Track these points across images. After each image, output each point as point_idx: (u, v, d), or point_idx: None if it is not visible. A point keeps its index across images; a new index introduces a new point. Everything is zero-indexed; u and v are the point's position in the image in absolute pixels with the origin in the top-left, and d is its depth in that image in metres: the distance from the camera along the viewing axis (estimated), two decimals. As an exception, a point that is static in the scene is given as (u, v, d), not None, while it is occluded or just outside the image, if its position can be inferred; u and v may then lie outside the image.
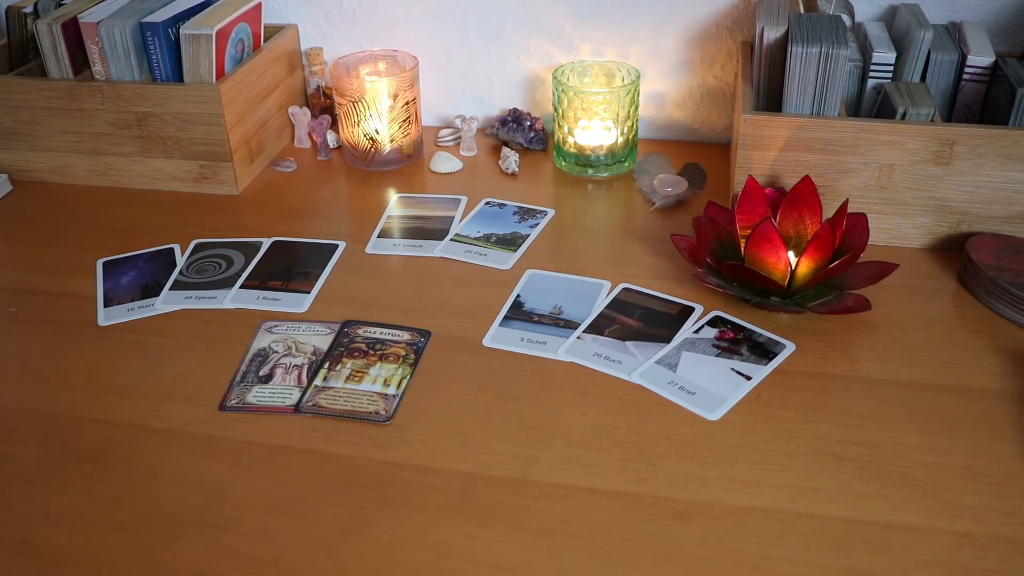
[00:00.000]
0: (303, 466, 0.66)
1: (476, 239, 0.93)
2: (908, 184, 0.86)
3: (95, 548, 0.60)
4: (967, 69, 0.91)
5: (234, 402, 0.72)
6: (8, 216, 1.02)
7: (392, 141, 1.07)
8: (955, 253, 0.87)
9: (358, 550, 0.59)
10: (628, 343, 0.77)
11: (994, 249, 0.83)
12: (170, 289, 0.86)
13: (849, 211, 0.80)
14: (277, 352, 0.77)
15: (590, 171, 1.04)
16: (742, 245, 0.81)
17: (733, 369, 0.74)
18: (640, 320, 0.80)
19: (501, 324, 0.80)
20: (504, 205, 0.99)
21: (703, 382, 0.72)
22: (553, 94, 1.03)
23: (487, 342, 0.78)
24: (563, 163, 1.06)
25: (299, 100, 1.19)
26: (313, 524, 0.61)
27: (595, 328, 0.79)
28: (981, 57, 0.90)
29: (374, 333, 0.79)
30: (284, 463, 0.66)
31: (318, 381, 0.74)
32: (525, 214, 0.97)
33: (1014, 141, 0.82)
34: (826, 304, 0.78)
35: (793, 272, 0.78)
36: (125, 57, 0.99)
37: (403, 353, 0.77)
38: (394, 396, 0.72)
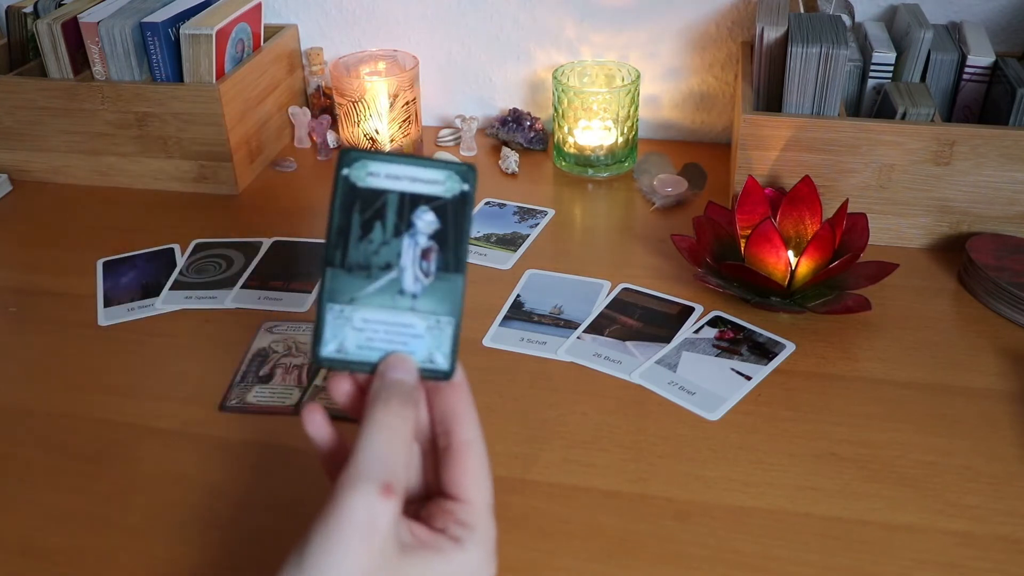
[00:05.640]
0: (303, 466, 0.66)
1: (476, 239, 0.93)
2: (908, 184, 0.86)
3: (95, 548, 0.60)
4: (967, 69, 0.91)
5: (234, 402, 0.72)
6: (8, 216, 1.02)
7: (392, 141, 1.07)
8: (955, 253, 0.87)
9: (358, 550, 0.59)
10: (628, 343, 0.77)
11: (994, 249, 0.83)
12: (170, 289, 0.86)
13: (849, 211, 0.81)
14: (277, 352, 0.77)
15: (590, 171, 1.04)
16: (742, 245, 0.81)
17: (733, 369, 0.74)
18: (640, 320, 0.80)
19: (501, 324, 0.80)
20: (504, 205, 0.99)
21: (703, 382, 0.72)
22: (553, 94, 1.03)
23: (487, 342, 0.78)
24: (563, 163, 1.06)
25: (299, 100, 1.19)
26: (313, 524, 0.61)
27: (595, 328, 0.79)
28: (981, 57, 0.90)
29: (374, 333, 0.79)
30: (284, 463, 0.66)
31: (318, 381, 0.74)
32: (525, 214, 0.97)
33: (1014, 141, 0.82)
34: (826, 304, 0.78)
35: (793, 272, 0.78)
36: (125, 57, 0.99)
37: (403, 353, 0.77)
38: (394, 396, 0.72)
